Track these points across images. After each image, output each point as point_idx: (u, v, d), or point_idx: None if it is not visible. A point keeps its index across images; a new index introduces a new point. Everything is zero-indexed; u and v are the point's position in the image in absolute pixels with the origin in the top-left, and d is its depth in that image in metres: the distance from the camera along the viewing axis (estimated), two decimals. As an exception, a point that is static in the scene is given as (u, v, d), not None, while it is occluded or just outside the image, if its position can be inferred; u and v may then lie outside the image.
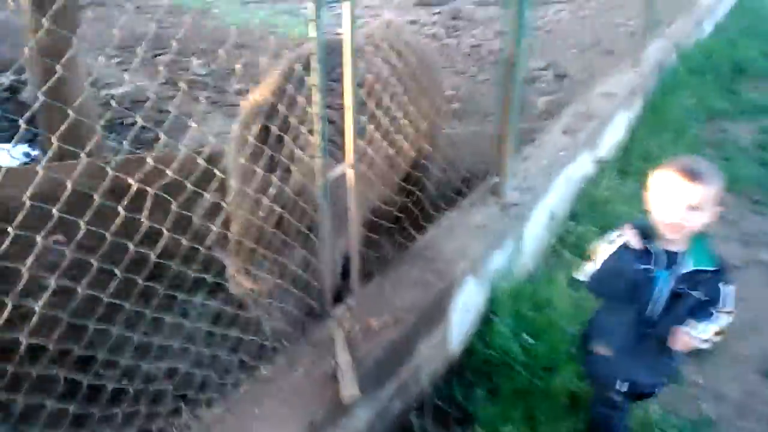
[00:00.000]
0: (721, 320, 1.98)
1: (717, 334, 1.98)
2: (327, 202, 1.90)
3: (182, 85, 1.87)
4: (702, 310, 1.98)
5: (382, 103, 2.22)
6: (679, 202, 1.87)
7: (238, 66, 1.91)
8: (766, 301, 3.46)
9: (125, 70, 6.87)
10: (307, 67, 1.77)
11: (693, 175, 1.86)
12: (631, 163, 4.48)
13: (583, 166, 4.02)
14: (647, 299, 2.02)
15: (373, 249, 2.63)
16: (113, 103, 5.01)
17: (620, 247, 2.00)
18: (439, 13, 9.78)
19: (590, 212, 3.85)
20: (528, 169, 3.43)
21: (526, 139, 3.86)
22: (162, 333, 1.55)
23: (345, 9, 1.68)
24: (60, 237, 3.58)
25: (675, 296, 1.99)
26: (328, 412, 1.93)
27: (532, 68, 7.03)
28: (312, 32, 1.64)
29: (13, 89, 6.32)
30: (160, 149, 2.96)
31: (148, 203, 1.47)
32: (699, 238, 1.97)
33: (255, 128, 1.91)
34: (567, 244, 3.61)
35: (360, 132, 2.07)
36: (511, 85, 2.75)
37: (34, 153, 5.01)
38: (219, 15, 9.90)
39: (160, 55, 7.28)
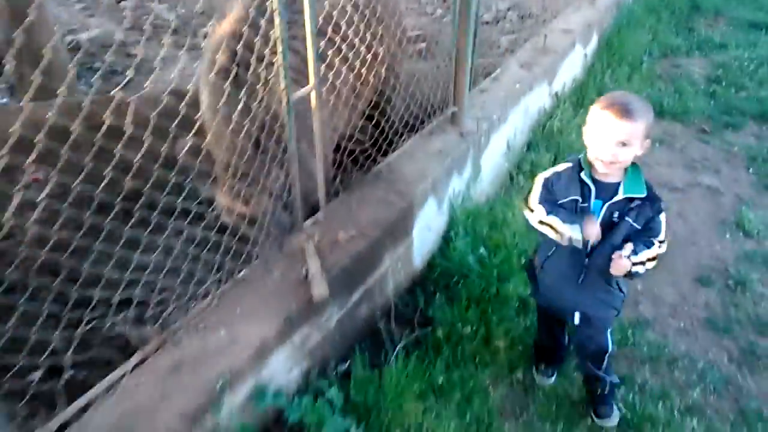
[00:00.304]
0: (655, 247, 2.05)
1: (650, 260, 2.04)
2: (292, 121, 2.08)
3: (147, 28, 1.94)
4: (637, 238, 2.04)
5: (340, 30, 2.38)
6: (609, 138, 1.93)
7: (200, 4, 1.99)
8: (703, 217, 3.78)
9: (90, 15, 6.81)
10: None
11: (621, 111, 1.90)
12: (586, 96, 4.71)
13: (539, 99, 4.24)
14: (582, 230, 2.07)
15: (340, 171, 2.83)
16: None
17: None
18: (405, -46, 9.71)
19: (545, 142, 4.10)
20: (485, 101, 3.63)
21: (487, 75, 4.05)
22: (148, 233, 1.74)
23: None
24: (40, 175, 3.71)
25: (609, 226, 2.07)
26: (301, 310, 2.17)
27: (497, 9, 7.15)
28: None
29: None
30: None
31: (125, 137, 1.57)
32: (632, 168, 2.06)
33: (223, 55, 2.07)
34: (523, 171, 3.87)
35: (322, 58, 2.25)
36: (466, 16, 2.91)
37: (3, 100, 5.03)
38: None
39: (123, 0, 7.21)
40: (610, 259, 2.04)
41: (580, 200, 2.09)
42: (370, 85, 2.71)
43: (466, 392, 2.48)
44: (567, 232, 2.07)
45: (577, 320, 2.30)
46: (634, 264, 2.01)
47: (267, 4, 1.92)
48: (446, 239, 3.11)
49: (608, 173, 2.04)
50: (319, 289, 2.15)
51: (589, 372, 2.46)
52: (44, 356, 1.52)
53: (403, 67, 3.47)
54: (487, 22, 6.73)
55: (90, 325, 1.64)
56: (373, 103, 2.89)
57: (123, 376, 1.79)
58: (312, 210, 2.51)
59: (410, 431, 2.25)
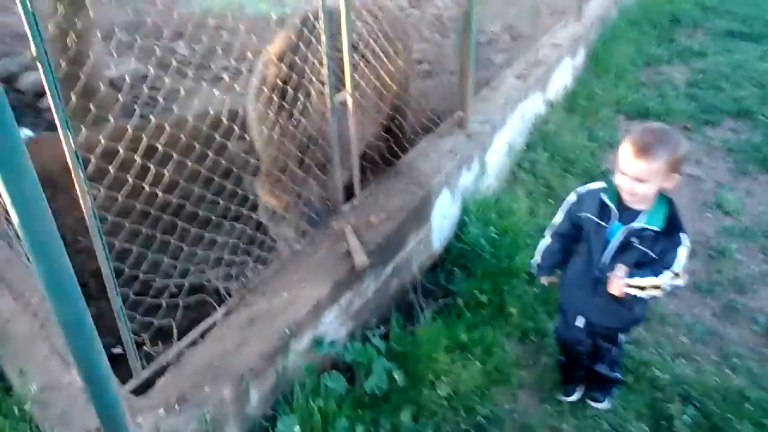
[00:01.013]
0: (663, 277, 2.10)
1: (654, 287, 2.11)
2: (335, 119, 2.56)
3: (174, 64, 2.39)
4: (651, 266, 2.12)
5: (367, 49, 2.88)
6: (627, 173, 2.02)
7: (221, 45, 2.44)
8: (686, 201, 4.23)
9: (112, 55, 7.38)
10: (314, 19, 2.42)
11: (639, 150, 1.97)
12: (576, 102, 5.20)
13: (534, 105, 4.73)
14: (598, 247, 2.23)
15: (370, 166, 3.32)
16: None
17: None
18: (401, -14, 10.36)
19: (542, 142, 4.57)
20: (487, 107, 4.11)
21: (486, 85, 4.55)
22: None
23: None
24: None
25: (625, 248, 2.17)
26: (346, 278, 2.61)
27: (491, 31, 7.72)
28: (318, -8, 2.29)
29: (8, 79, 6.76)
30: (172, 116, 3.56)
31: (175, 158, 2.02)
32: (659, 200, 2.12)
33: (274, 69, 2.55)
34: (524, 168, 4.33)
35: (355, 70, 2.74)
36: (468, 33, 3.41)
37: (30, 133, 5.48)
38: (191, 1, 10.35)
39: (142, 39, 7.80)
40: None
41: (597, 219, 2.23)
42: (392, 91, 3.20)
43: (486, 347, 2.90)
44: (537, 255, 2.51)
45: (580, 323, 2.46)
46: (630, 286, 2.12)
47: (305, 33, 2.42)
48: (460, 226, 3.56)
49: (635, 200, 2.12)
50: (361, 257, 2.60)
51: (592, 366, 2.66)
52: (164, 295, 1.97)
53: (414, 82, 3.97)
54: (481, 44, 7.27)
55: (193, 276, 2.09)
56: (394, 106, 3.38)
57: (215, 323, 2.23)
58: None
59: (441, 376, 2.68)
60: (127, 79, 3.51)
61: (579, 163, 4.41)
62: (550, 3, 7.68)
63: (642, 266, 2.16)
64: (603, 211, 2.22)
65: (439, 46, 7.45)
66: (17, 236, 2.29)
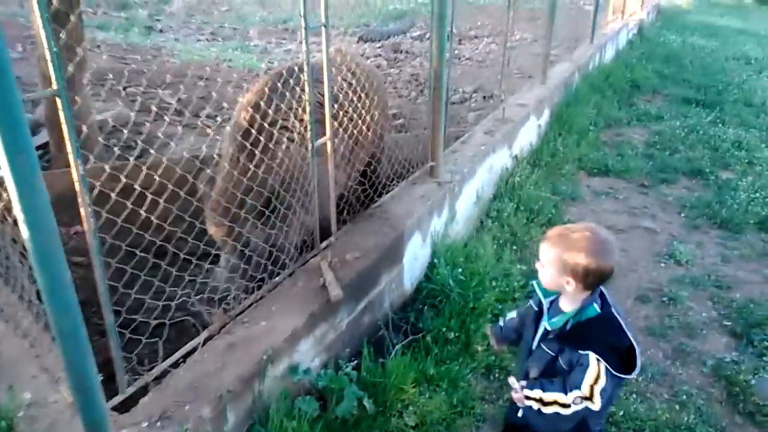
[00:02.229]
0: (570, 396, 1.92)
1: (558, 404, 1.94)
2: (314, 163, 2.77)
3: (155, 110, 2.66)
4: (565, 378, 1.98)
5: (345, 99, 3.14)
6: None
7: (205, 94, 2.72)
8: (642, 252, 4.52)
9: (98, 100, 7.59)
10: (290, 74, 2.66)
11: (545, 236, 2.00)
12: (541, 158, 5.54)
13: (502, 159, 5.03)
14: (529, 337, 2.18)
15: (347, 206, 3.52)
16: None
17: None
18: (381, 47, 10.90)
19: (509, 194, 4.85)
20: (457, 159, 4.39)
21: (458, 138, 4.84)
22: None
23: (323, 32, 2.61)
24: (79, 228, 4.28)
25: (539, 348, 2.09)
26: (321, 310, 2.77)
27: (464, 91, 8.15)
28: (304, 48, 2.54)
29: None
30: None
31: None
32: (582, 309, 1.96)
33: (245, 120, 2.79)
34: (491, 216, 4.59)
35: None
36: (439, 88, 3.70)
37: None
38: (176, 52, 10.71)
39: (127, 87, 8.04)
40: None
41: (535, 307, 2.18)
42: (369, 141, 3.44)
43: (452, 381, 3.05)
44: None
45: (519, 414, 2.21)
46: (527, 398, 2.01)
47: (279, 84, 2.67)
48: (430, 268, 3.76)
49: (569, 300, 2.02)
50: (335, 291, 2.76)
51: None
52: (152, 317, 2.10)
53: (389, 133, 4.24)
54: (454, 103, 7.68)
55: (180, 300, 2.23)
56: (371, 153, 3.62)
57: (196, 348, 2.36)
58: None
59: (409, 406, 2.81)
60: (110, 122, 3.70)
61: (543, 213, 4.68)
62: (519, 67, 8.21)
63: (555, 376, 2.02)
64: (540, 306, 2.15)
65: (414, 103, 7.85)
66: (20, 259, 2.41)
